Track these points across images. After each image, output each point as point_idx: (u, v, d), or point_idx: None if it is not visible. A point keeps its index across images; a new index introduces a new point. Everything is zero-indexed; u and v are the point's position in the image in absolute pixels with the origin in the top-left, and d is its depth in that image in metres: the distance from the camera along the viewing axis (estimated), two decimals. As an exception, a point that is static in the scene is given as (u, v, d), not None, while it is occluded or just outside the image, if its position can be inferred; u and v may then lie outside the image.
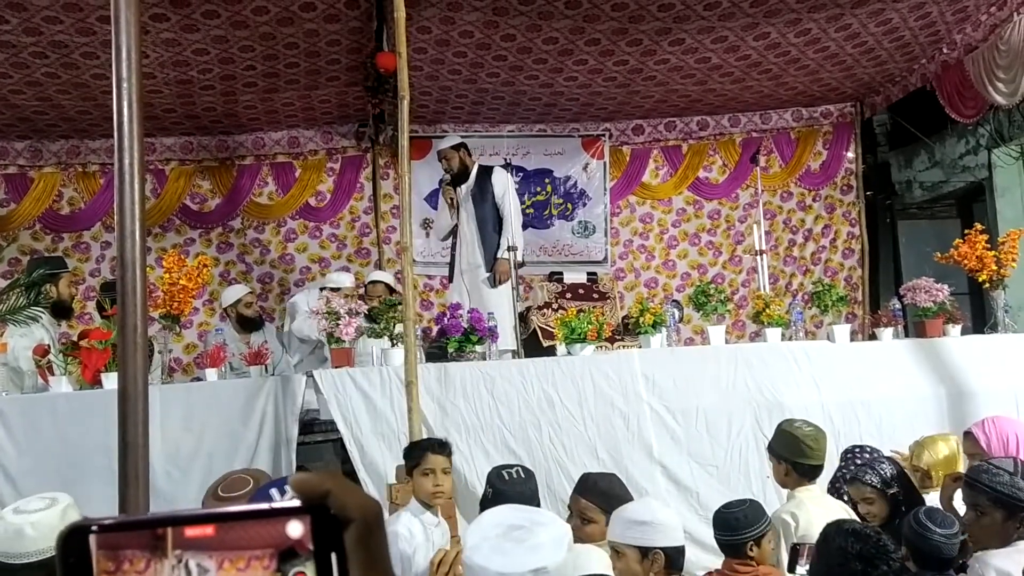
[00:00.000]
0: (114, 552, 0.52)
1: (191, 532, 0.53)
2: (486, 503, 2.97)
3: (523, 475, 3.07)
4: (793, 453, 3.22)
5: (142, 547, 0.52)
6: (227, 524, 0.53)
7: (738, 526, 2.75)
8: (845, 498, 3.26)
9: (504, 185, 5.78)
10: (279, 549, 0.53)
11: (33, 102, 6.24)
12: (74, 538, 0.52)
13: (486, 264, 5.75)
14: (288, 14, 5.28)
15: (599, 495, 2.91)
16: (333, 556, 0.54)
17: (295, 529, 0.53)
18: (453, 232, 5.91)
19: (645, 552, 2.45)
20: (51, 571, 2.01)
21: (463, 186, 5.84)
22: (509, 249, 5.53)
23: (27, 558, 2.04)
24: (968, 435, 3.48)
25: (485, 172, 5.92)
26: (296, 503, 0.54)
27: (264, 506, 0.54)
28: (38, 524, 2.06)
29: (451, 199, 5.77)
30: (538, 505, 3.02)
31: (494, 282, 5.71)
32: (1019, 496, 2.41)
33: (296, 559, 0.53)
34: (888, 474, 3.05)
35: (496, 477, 3.04)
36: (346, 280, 6.17)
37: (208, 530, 0.53)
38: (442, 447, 3.24)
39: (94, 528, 0.52)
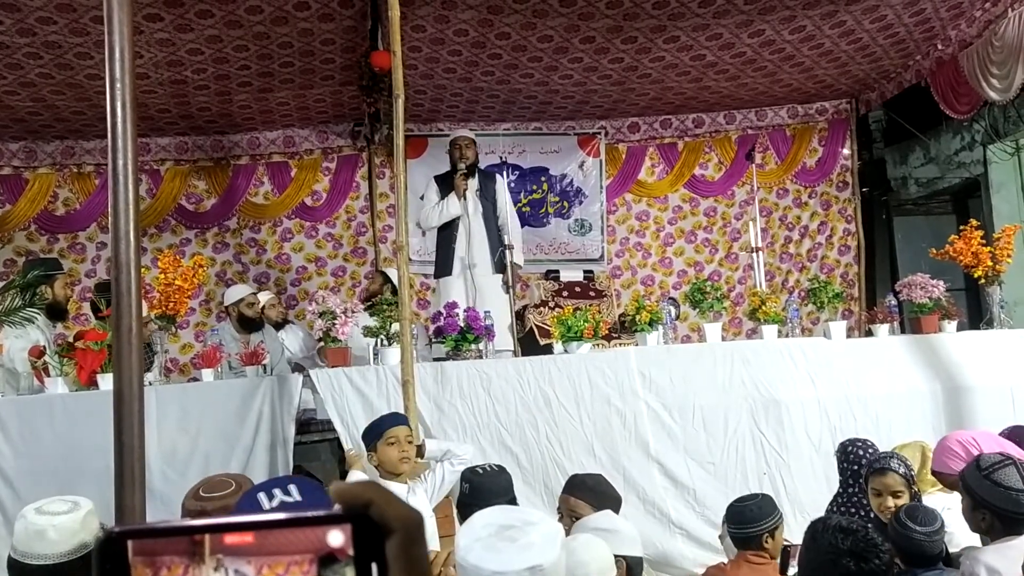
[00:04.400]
0: (151, 558, 0.52)
1: (230, 539, 0.52)
2: (464, 499, 3.02)
3: (496, 468, 3.15)
4: None
5: (179, 553, 0.52)
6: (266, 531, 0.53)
7: (754, 518, 2.81)
8: (858, 488, 3.22)
9: (505, 195, 5.82)
10: (318, 555, 0.53)
11: (27, 103, 6.23)
12: (111, 544, 0.52)
13: (493, 265, 5.72)
14: (282, 13, 5.27)
15: (588, 491, 2.94)
16: (374, 565, 0.53)
17: (336, 538, 0.53)
18: (449, 224, 5.84)
19: None
20: None
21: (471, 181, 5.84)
22: (507, 248, 5.53)
23: (44, 560, 2.00)
24: (936, 474, 3.18)
25: (488, 176, 5.93)
26: (338, 511, 0.54)
27: (307, 514, 0.54)
28: (60, 527, 2.01)
29: (465, 190, 5.72)
30: (514, 498, 3.09)
31: (508, 287, 5.70)
32: (975, 491, 2.43)
33: (335, 564, 0.53)
34: (911, 469, 3.04)
35: (471, 473, 3.11)
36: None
37: (247, 536, 0.53)
38: (401, 418, 3.56)
39: (132, 535, 0.52)
